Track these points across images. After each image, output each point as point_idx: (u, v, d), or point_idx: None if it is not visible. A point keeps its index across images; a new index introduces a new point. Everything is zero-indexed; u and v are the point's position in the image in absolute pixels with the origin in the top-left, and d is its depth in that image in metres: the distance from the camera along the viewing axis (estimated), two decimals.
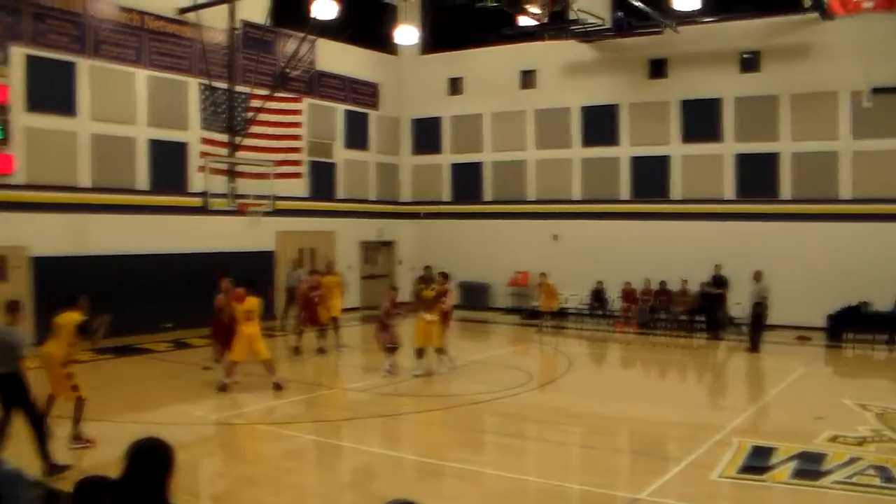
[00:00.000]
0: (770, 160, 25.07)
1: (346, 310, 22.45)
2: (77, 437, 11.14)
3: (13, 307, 10.61)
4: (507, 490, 10.17)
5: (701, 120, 26.06)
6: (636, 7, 24.06)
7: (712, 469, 10.48)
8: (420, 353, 17.24)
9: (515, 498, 9.95)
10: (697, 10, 23.04)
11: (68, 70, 21.13)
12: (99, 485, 5.10)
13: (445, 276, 19.21)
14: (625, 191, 27.55)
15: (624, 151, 27.55)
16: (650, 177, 26.93)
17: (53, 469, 9.66)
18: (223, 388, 15.22)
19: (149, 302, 21.61)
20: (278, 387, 15.43)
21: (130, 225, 22.10)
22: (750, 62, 25.55)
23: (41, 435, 9.93)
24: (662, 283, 25.18)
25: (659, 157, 26.79)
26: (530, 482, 10.48)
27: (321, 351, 20.19)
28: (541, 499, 10.03)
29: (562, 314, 25.82)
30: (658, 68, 27.09)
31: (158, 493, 4.25)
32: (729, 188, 25.76)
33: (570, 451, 12.30)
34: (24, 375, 9.99)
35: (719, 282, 23.80)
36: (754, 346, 21.12)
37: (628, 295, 25.70)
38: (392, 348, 17.41)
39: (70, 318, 11.31)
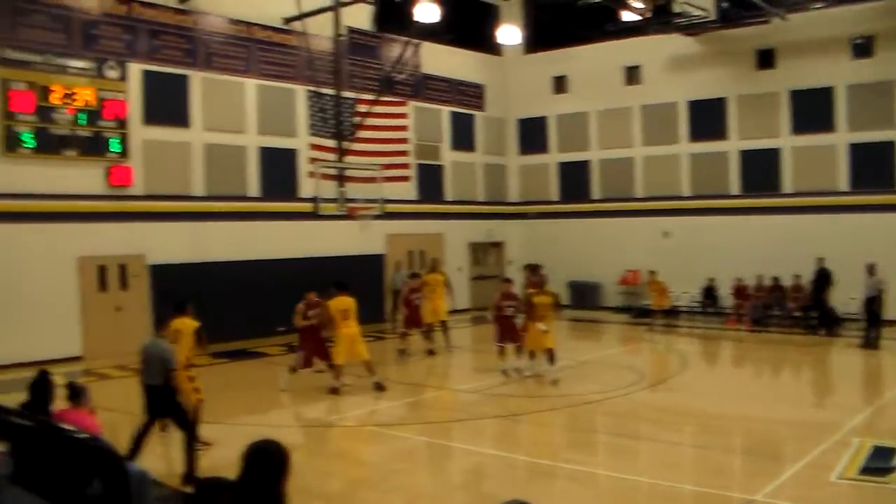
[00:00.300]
0: (886, 149, 24.21)
1: (455, 311, 22.56)
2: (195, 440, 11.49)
3: (162, 321, 10.98)
4: (618, 491, 10.11)
5: (812, 110, 25.34)
6: None
7: (831, 470, 10.17)
8: (532, 354, 17.04)
9: (627, 499, 9.88)
10: None
11: (181, 83, 21.84)
12: (218, 486, 5.29)
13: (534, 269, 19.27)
14: (734, 185, 27.01)
15: (733, 145, 27.03)
16: (760, 170, 26.32)
17: (190, 478, 9.76)
18: (335, 392, 15.45)
19: (262, 306, 22.11)
20: (380, 387, 15.65)
21: (243, 231, 22.71)
22: (863, 48, 24.73)
23: (192, 442, 10.15)
24: (775, 279, 24.63)
25: (769, 149, 26.18)
26: (642, 483, 10.37)
27: (430, 353, 20.35)
28: (653, 499, 9.92)
29: (673, 312, 25.52)
30: (766, 59, 26.45)
31: (274, 493, 4.40)
32: (843, 180, 25.01)
33: (682, 451, 12.14)
34: (175, 386, 10.33)
35: (823, 276, 23.09)
36: (871, 343, 20.44)
37: (740, 291, 25.21)
38: (501, 347, 17.32)
39: (188, 325, 11.65)
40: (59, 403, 8.28)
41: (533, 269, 21.14)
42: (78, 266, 19.82)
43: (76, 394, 8.10)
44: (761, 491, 9.51)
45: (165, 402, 10.27)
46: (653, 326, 24.48)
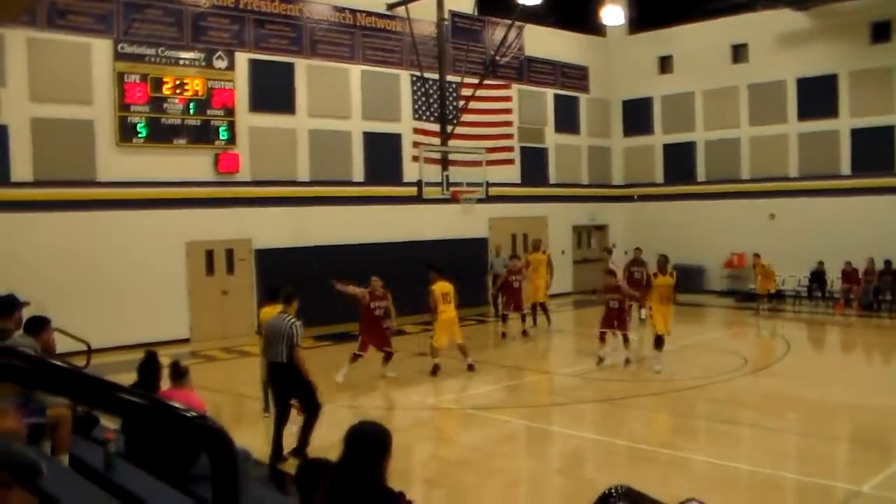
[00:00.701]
0: None
1: (557, 294, 22.53)
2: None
3: (289, 297, 10.80)
4: (718, 477, 10.01)
5: None
6: None
7: None
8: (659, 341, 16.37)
9: (727, 486, 9.76)
10: None
11: (287, 71, 22.30)
12: (319, 467, 5.45)
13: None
14: (845, 165, 26.23)
15: (844, 123, 26.23)
16: (874, 149, 25.39)
17: (299, 454, 9.90)
18: (435, 372, 15.78)
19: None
20: (472, 368, 15.99)
21: (347, 216, 23.06)
22: None
23: (311, 423, 10.15)
24: (887, 263, 23.88)
25: (883, 127, 25.26)
26: (742, 470, 10.27)
27: (525, 334, 20.38)
28: (753, 487, 9.79)
29: (779, 296, 24.99)
30: (881, 31, 25.50)
31: (376, 475, 4.47)
32: None
33: (785, 439, 11.93)
34: (301, 364, 10.15)
35: None
36: None
37: (849, 275, 24.48)
38: (603, 333, 17.03)
39: (270, 313, 11.69)
40: (164, 384, 8.58)
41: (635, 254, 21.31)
42: (186, 251, 20.49)
43: (179, 374, 8.26)
44: (868, 482, 9.30)
45: (291, 381, 10.21)
46: (758, 311, 24.05)
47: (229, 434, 2.88)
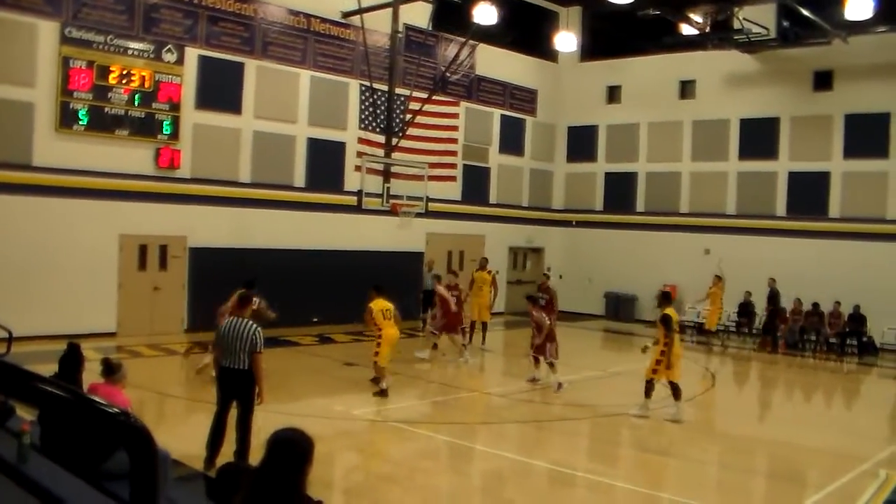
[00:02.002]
0: None
1: (492, 314, 22.55)
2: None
3: (245, 299, 10.38)
4: None
5: (866, 135, 25.03)
6: (804, 16, 23.33)
7: (855, 500, 10.13)
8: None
9: None
10: (869, 20, 22.16)
11: (237, 70, 22.15)
12: (239, 471, 5.38)
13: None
14: (781, 207, 26.78)
15: (782, 166, 26.80)
16: (809, 194, 26.05)
17: (241, 455, 9.64)
18: (383, 393, 15.17)
19: (298, 296, 22.29)
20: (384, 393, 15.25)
21: (285, 220, 22.94)
22: None
23: (248, 432, 9.83)
24: (815, 305, 24.40)
25: (818, 172, 25.91)
26: (662, 499, 10.36)
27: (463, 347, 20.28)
28: None
29: (707, 331, 25.27)
30: (823, 80, 26.18)
31: (296, 482, 4.43)
32: (893, 208, 24.67)
33: (705, 470, 12.10)
34: (259, 372, 9.85)
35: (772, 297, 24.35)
36: None
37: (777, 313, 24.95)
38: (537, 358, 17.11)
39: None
40: (92, 377, 8.38)
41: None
42: (120, 243, 20.14)
43: (111, 370, 8.06)
44: None
45: (245, 387, 9.86)
46: (690, 343, 24.28)
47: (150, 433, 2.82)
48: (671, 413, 14.26)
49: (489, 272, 21.94)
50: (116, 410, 2.80)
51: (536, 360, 17.10)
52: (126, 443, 2.74)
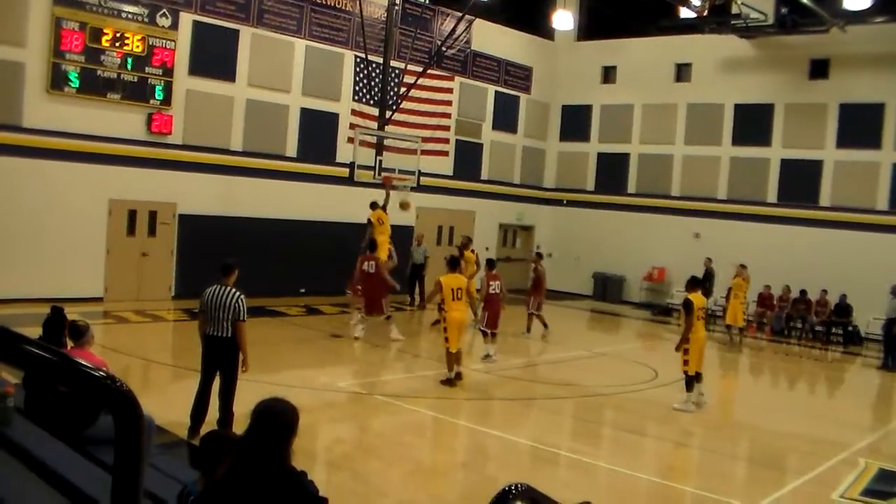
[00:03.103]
0: None
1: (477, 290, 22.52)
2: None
3: (228, 268, 10.17)
4: (617, 484, 10.16)
5: (860, 125, 25.01)
6: (802, 4, 23.28)
7: (833, 488, 10.17)
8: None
9: (624, 493, 9.93)
10: (868, 10, 22.19)
11: (231, 37, 21.97)
12: (223, 439, 5.36)
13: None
14: (772, 193, 26.80)
15: (775, 153, 26.78)
16: (801, 181, 26.06)
17: (224, 426, 9.55)
18: (453, 382, 14.37)
19: (286, 266, 22.38)
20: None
21: (277, 190, 22.84)
22: None
23: (231, 395, 9.82)
24: (802, 292, 24.48)
25: (811, 160, 25.91)
26: (641, 479, 10.39)
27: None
28: (650, 497, 10.01)
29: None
30: (819, 69, 26.13)
31: (279, 452, 4.40)
32: (883, 199, 24.74)
33: (687, 453, 12.21)
34: (243, 339, 9.82)
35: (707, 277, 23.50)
36: (888, 364, 20.33)
37: (764, 300, 25.08)
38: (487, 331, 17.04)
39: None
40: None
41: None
42: (109, 208, 20.03)
43: (78, 333, 7.88)
44: (762, 501, 9.56)
45: (228, 355, 9.84)
46: (675, 325, 24.29)
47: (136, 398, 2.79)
48: (679, 401, 13.99)
49: (472, 251, 21.87)
50: (102, 374, 2.76)
51: (484, 334, 17.10)
52: (111, 407, 2.70)
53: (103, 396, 2.68)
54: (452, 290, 14.29)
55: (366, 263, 17.69)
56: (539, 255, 21.65)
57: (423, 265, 23.98)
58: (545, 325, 20.21)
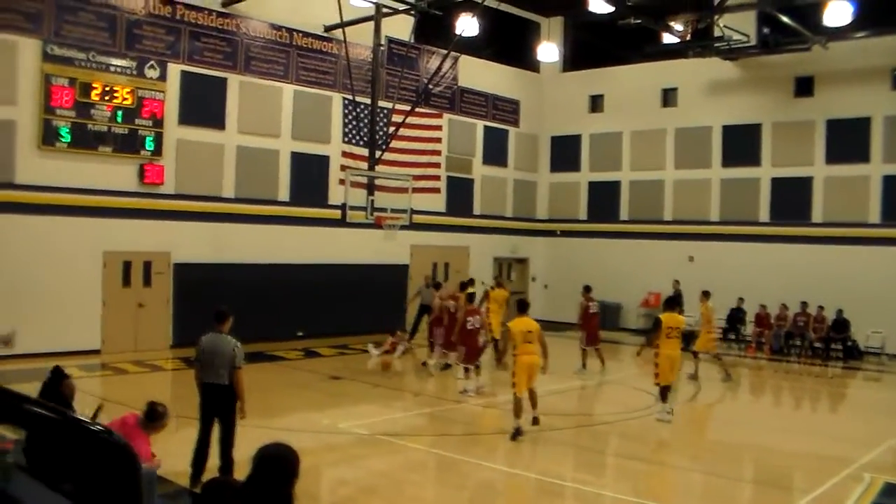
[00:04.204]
0: None
1: None
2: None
3: (222, 315, 10.18)
4: None
5: (847, 140, 25.26)
6: (784, 23, 23.56)
7: None
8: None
9: None
10: (848, 26, 22.40)
11: (220, 85, 22.16)
12: (225, 486, 5.37)
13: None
14: (764, 213, 26.95)
15: (765, 172, 26.96)
16: (791, 199, 26.24)
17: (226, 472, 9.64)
18: (515, 437, 13.45)
19: (283, 310, 22.43)
20: (536, 422, 13.97)
21: (270, 235, 22.94)
22: None
23: (231, 447, 9.83)
24: (803, 304, 24.59)
25: (801, 178, 26.10)
26: None
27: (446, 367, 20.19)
28: None
29: (691, 336, 25.32)
30: (804, 86, 26.40)
31: (282, 496, 4.44)
32: (874, 212, 24.87)
33: (692, 478, 12.14)
34: (241, 387, 9.83)
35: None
36: None
37: (762, 320, 25.12)
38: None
39: None
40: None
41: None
42: (104, 260, 20.08)
43: (152, 416, 8.13)
44: None
45: (227, 403, 9.85)
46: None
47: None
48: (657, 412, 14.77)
49: (506, 289, 21.97)
50: (98, 428, 2.80)
51: (466, 370, 17.25)
52: (109, 462, 2.74)
53: (99, 450, 2.71)
54: (522, 332, 13.83)
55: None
56: (587, 289, 21.33)
57: (429, 306, 23.83)
58: (601, 361, 20.47)
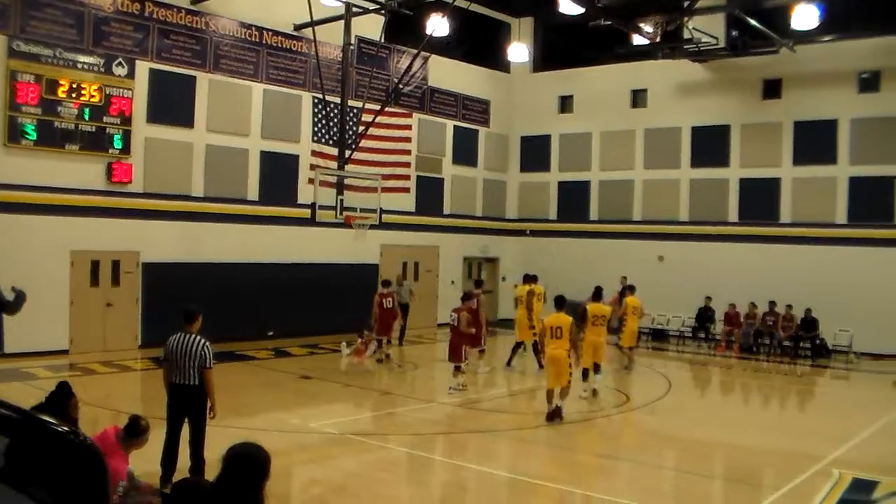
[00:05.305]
0: (887, 183, 24.30)
1: (443, 324, 22.50)
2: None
3: (191, 315, 10.10)
4: None
5: (814, 142, 25.48)
6: (752, 26, 23.74)
7: (809, 500, 10.25)
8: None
9: None
10: (815, 29, 22.60)
11: (188, 83, 21.97)
12: (195, 487, 5.32)
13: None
14: (733, 213, 27.14)
15: (733, 173, 27.15)
16: (759, 199, 26.46)
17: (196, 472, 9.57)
18: (552, 417, 14.39)
19: (253, 310, 22.29)
20: (559, 414, 14.47)
21: (239, 234, 22.82)
22: (869, 82, 24.90)
23: (202, 442, 9.78)
24: (771, 303, 24.77)
25: (769, 179, 26.31)
26: None
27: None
28: None
29: (662, 335, 25.51)
30: (772, 89, 26.63)
31: (252, 496, 4.41)
32: (841, 212, 25.11)
33: (663, 475, 12.20)
34: (211, 387, 9.77)
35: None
36: None
37: (731, 318, 25.32)
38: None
39: None
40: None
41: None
42: (71, 259, 19.87)
43: (134, 430, 7.96)
44: None
45: (196, 403, 9.76)
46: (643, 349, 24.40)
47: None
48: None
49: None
50: (65, 429, 2.75)
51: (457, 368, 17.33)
52: (75, 463, 2.70)
53: (66, 451, 2.67)
54: (551, 328, 14.45)
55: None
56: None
57: (408, 305, 23.83)
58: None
